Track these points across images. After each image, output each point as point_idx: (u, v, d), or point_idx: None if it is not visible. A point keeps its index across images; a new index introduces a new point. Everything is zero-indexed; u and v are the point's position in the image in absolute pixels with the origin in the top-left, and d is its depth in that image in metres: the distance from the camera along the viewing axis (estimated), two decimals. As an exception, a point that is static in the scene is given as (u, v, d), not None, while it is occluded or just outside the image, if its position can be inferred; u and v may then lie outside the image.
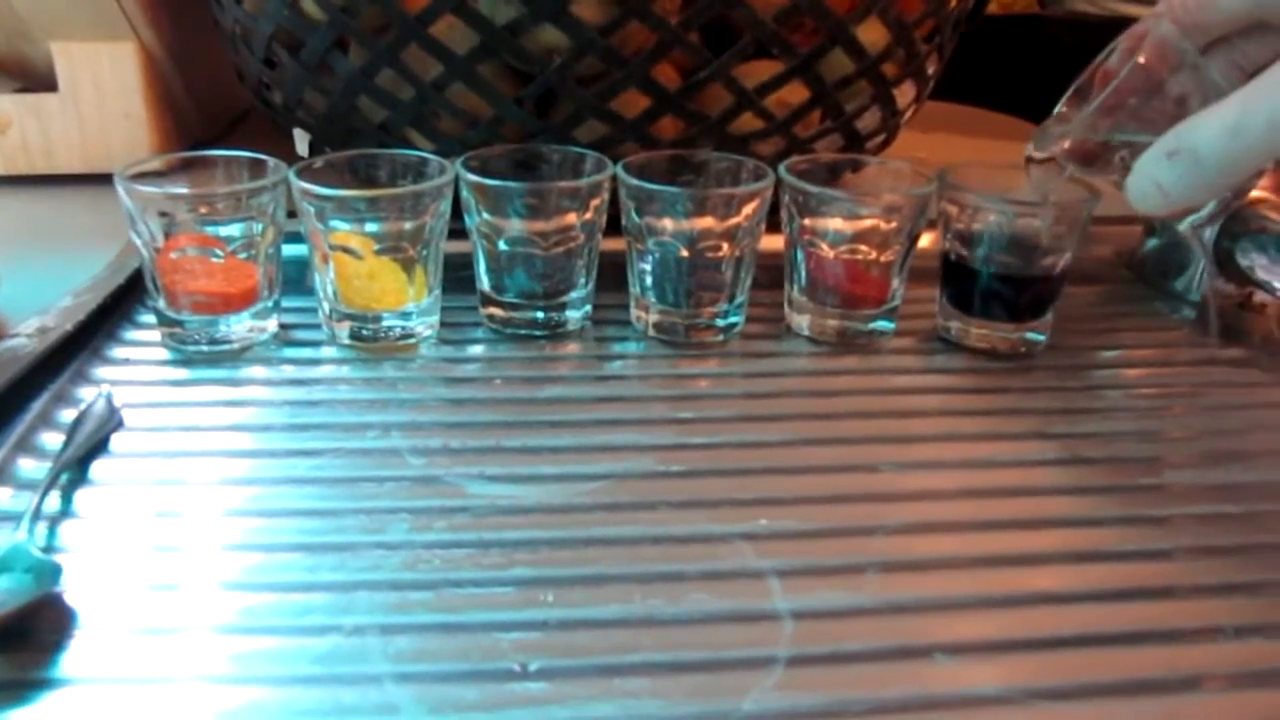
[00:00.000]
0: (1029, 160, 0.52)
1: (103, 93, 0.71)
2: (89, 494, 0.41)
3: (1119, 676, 0.33)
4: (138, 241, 0.50)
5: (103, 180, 0.50)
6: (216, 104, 0.82)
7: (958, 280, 0.54)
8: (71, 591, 0.35)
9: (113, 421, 0.45)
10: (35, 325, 0.50)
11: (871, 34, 0.59)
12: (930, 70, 0.66)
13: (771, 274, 0.57)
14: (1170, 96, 0.44)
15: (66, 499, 0.40)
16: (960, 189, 0.53)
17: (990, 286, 0.53)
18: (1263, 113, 0.37)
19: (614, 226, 0.54)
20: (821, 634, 0.35)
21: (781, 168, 0.53)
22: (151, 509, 0.40)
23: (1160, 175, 0.40)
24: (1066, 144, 0.47)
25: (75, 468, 0.42)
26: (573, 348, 0.54)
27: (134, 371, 0.50)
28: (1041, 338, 0.55)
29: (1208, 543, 0.40)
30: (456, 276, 0.55)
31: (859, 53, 0.59)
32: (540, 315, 0.54)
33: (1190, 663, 0.34)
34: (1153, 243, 0.65)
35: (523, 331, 0.54)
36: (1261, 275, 0.57)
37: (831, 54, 0.59)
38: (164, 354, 0.52)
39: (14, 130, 0.71)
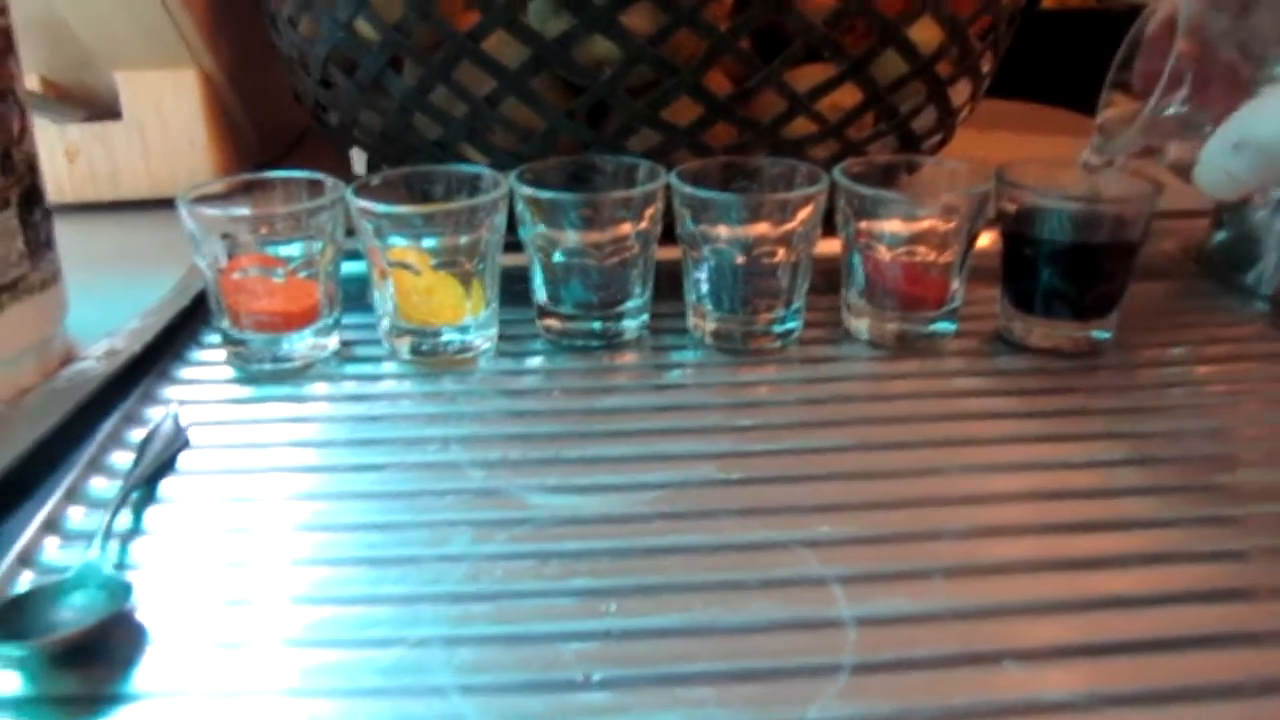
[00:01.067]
0: (1087, 166, 0.51)
1: (166, 120, 0.73)
2: (158, 512, 0.42)
3: (1192, 681, 0.32)
4: (201, 264, 0.51)
5: (167, 204, 0.51)
6: (276, 126, 0.83)
7: (1019, 279, 0.53)
8: (142, 608, 0.36)
9: (180, 440, 0.46)
10: (104, 348, 0.52)
11: (924, 33, 0.58)
12: (985, 68, 0.65)
13: (829, 278, 0.56)
14: (1219, 72, 0.43)
15: (137, 517, 0.41)
16: (1019, 186, 0.52)
17: (1052, 284, 0.52)
18: None
19: (669, 235, 0.54)
20: (887, 641, 0.34)
21: (836, 171, 0.53)
22: (218, 526, 0.41)
23: (1229, 164, 0.40)
24: (1128, 151, 0.47)
25: (144, 486, 0.43)
26: (630, 357, 0.54)
27: (200, 391, 0.51)
28: (1107, 335, 0.54)
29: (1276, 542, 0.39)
30: (514, 289, 0.56)
31: (911, 53, 0.59)
32: (597, 326, 0.54)
33: (1268, 666, 0.33)
34: (1221, 235, 0.63)
35: (580, 342, 0.55)
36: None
37: (884, 55, 0.58)
38: (229, 373, 0.53)
39: (81, 158, 0.73)
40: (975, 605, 0.36)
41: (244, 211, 0.52)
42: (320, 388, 0.51)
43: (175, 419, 0.47)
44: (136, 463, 0.44)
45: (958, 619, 0.35)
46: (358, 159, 0.70)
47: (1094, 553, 0.38)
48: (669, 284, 0.56)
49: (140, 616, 0.35)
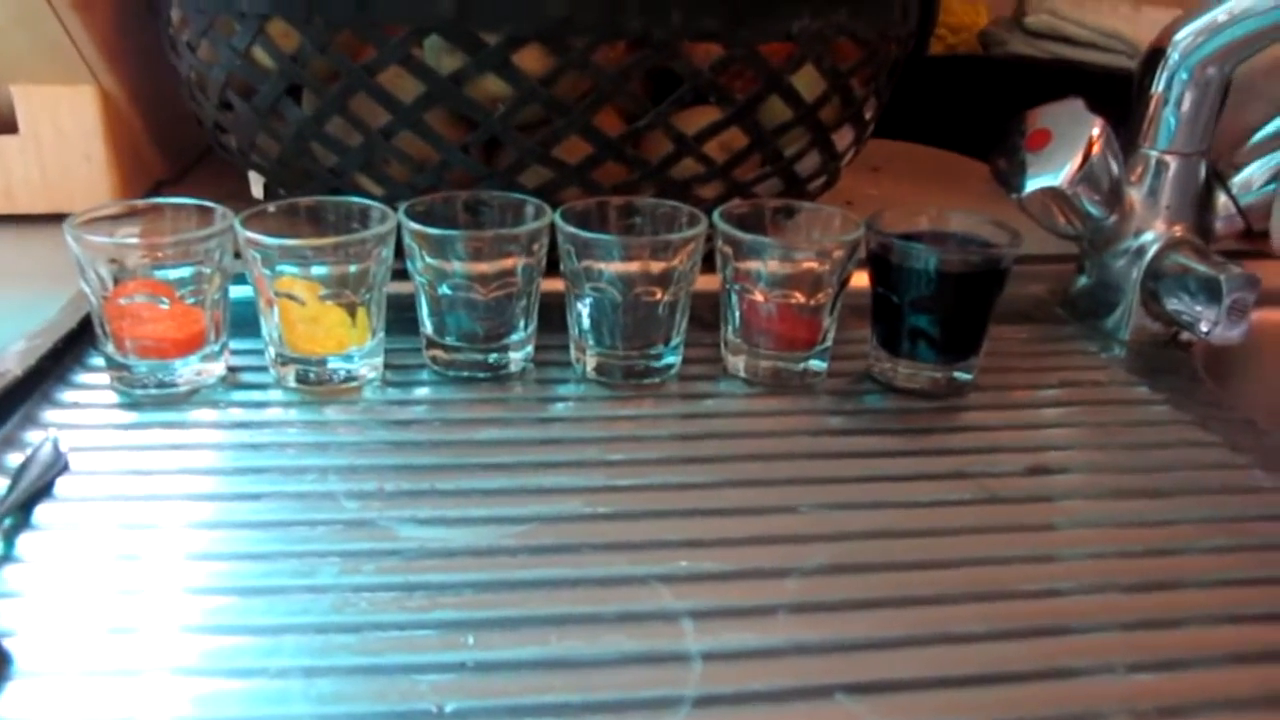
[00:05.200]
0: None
1: (63, 135, 0.72)
2: (32, 538, 0.42)
3: (1019, 714, 0.35)
4: (86, 289, 0.52)
5: (63, 220, 0.51)
6: (177, 144, 0.83)
7: (885, 321, 0.56)
8: (10, 635, 0.36)
9: (58, 465, 0.47)
10: (-14, 369, 0.52)
11: (807, 82, 0.61)
12: (868, 115, 0.68)
13: (714, 313, 0.58)
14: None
15: (9, 543, 0.42)
16: (885, 234, 0.54)
17: (915, 327, 0.55)
18: None
19: (557, 268, 0.55)
20: (728, 675, 0.36)
21: (715, 214, 0.55)
22: (92, 552, 0.41)
23: None
24: None
25: (18, 512, 0.43)
26: (514, 389, 0.56)
27: (83, 415, 0.51)
28: (969, 377, 0.57)
29: (1105, 580, 0.42)
30: (405, 317, 0.57)
31: (795, 100, 0.61)
32: (482, 357, 0.56)
33: (1078, 699, 0.36)
34: (1084, 281, 0.67)
35: (465, 373, 0.56)
36: (1185, 315, 0.60)
37: (768, 102, 0.61)
38: (113, 398, 0.53)
39: (-26, 172, 0.72)
40: (814, 641, 0.38)
41: (132, 238, 0.53)
42: (204, 414, 0.52)
43: (55, 443, 0.48)
44: (11, 488, 0.44)
45: (796, 654, 0.37)
46: (255, 182, 0.71)
47: (930, 589, 0.41)
48: (559, 317, 0.58)
49: (7, 643, 0.36)
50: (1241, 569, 0.43)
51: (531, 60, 0.57)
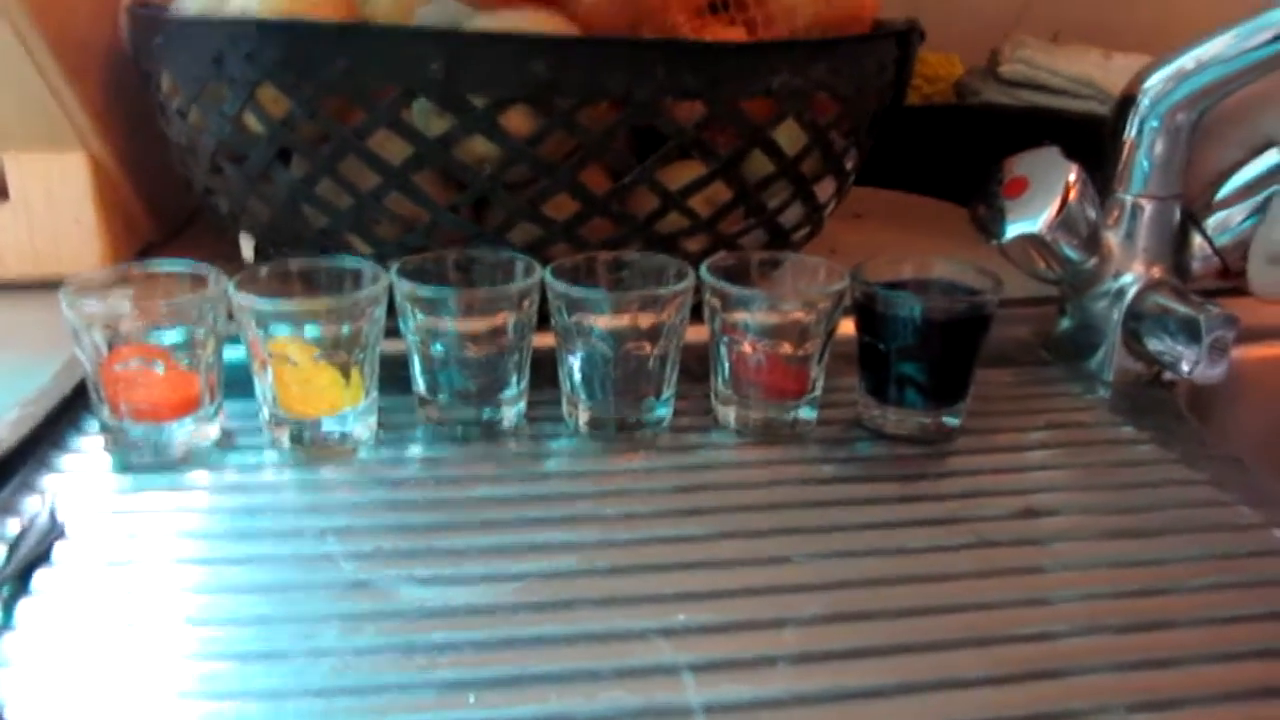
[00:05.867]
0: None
1: (53, 201, 0.73)
2: (29, 605, 0.42)
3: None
4: (81, 355, 0.52)
5: (55, 286, 0.52)
6: (168, 207, 0.84)
7: (873, 369, 0.57)
8: (9, 705, 0.36)
9: (55, 531, 0.47)
10: (-19, 438, 0.52)
11: (788, 136, 0.62)
12: (849, 165, 0.69)
13: (703, 365, 0.59)
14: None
15: (7, 612, 0.42)
16: (870, 283, 0.55)
17: (902, 374, 0.55)
18: None
19: (548, 322, 0.56)
20: (729, 727, 0.36)
21: (702, 268, 0.56)
22: (88, 620, 0.41)
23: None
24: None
25: (16, 580, 0.43)
26: (508, 446, 0.56)
27: (79, 481, 0.52)
28: (957, 421, 0.57)
29: (1097, 622, 0.42)
30: (399, 375, 0.57)
31: (777, 154, 0.62)
32: (475, 414, 0.56)
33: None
34: (1066, 324, 0.68)
35: (459, 431, 0.56)
36: (1166, 355, 0.60)
37: (751, 156, 0.62)
38: (109, 462, 0.53)
39: (-35, 239, 0.73)
40: (815, 690, 0.38)
41: (126, 303, 0.53)
42: (200, 478, 0.52)
43: (51, 510, 0.48)
44: (9, 556, 0.44)
45: (797, 704, 0.38)
46: (246, 245, 0.72)
47: (926, 636, 0.41)
48: (549, 372, 0.58)
49: (7, 714, 0.36)
50: (1232, 606, 0.44)
51: (518, 121, 0.58)
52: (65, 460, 0.53)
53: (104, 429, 0.54)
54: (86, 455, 0.54)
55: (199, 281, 0.55)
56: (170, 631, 0.41)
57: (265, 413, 0.55)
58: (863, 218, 0.89)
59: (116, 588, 0.43)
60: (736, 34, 0.67)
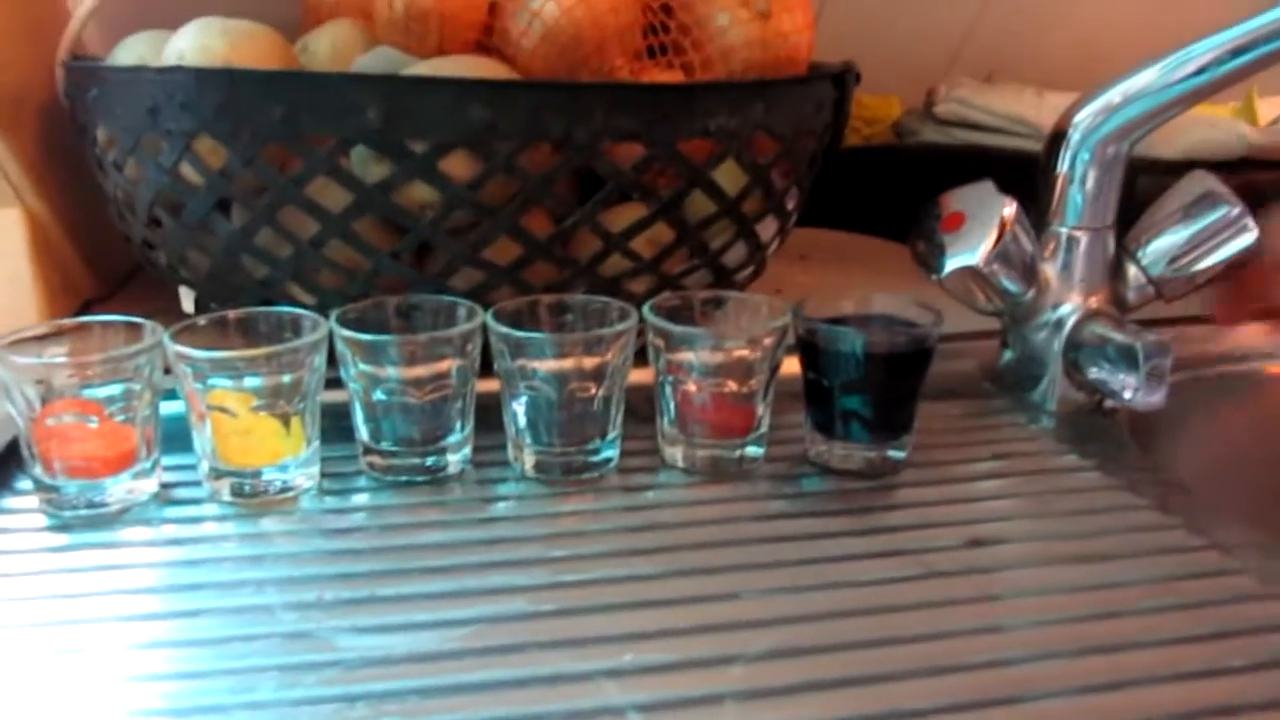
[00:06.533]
0: None
1: (-12, 258, 0.72)
2: (-44, 671, 0.41)
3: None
4: (13, 411, 0.51)
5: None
6: (107, 262, 0.83)
7: (817, 404, 0.57)
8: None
9: (-15, 594, 0.45)
10: (-92, 500, 0.51)
11: (729, 177, 0.63)
12: (790, 205, 0.70)
13: (649, 405, 0.59)
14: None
15: (-67, 678, 0.40)
16: (812, 320, 0.56)
17: (846, 409, 0.56)
18: None
19: (491, 367, 0.56)
20: (678, 767, 0.36)
21: (645, 308, 0.56)
22: (21, 682, 0.40)
23: None
24: None
25: (-57, 645, 0.42)
26: (453, 491, 0.55)
27: (11, 540, 0.50)
28: (903, 455, 0.57)
29: (1048, 648, 0.42)
30: (341, 425, 0.57)
31: (718, 195, 0.63)
32: (420, 461, 0.55)
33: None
34: (1009, 356, 0.68)
35: (404, 478, 0.56)
36: (1107, 383, 0.61)
37: (692, 196, 0.62)
38: (42, 520, 0.52)
39: (-103, 298, 0.71)
40: (763, 726, 0.38)
41: (59, 357, 0.53)
42: (137, 533, 0.51)
43: (-20, 572, 0.47)
44: (-65, 620, 0.43)
45: (746, 741, 0.37)
46: (186, 297, 0.71)
47: (877, 668, 0.41)
48: (494, 416, 0.58)
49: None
50: (1179, 628, 0.44)
51: (458, 166, 0.58)
52: (-3, 520, 0.52)
53: (37, 486, 0.52)
54: (19, 515, 0.52)
55: (135, 334, 0.54)
56: (106, 690, 0.40)
57: (204, 465, 0.54)
58: (808, 258, 0.90)
59: (50, 647, 0.42)
60: (674, 76, 0.67)
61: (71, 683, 0.40)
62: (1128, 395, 0.59)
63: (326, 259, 0.60)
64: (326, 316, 0.54)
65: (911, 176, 0.94)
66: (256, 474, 0.53)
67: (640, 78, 0.67)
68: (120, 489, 0.53)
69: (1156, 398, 0.59)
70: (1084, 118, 0.62)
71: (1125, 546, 0.50)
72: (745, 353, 0.55)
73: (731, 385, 0.55)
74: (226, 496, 0.53)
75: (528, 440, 0.56)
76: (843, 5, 0.93)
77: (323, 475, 0.56)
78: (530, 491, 0.55)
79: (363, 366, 0.54)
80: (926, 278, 0.63)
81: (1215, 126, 0.86)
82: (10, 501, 0.54)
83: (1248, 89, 0.99)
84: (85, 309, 0.78)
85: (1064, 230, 0.64)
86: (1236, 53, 0.56)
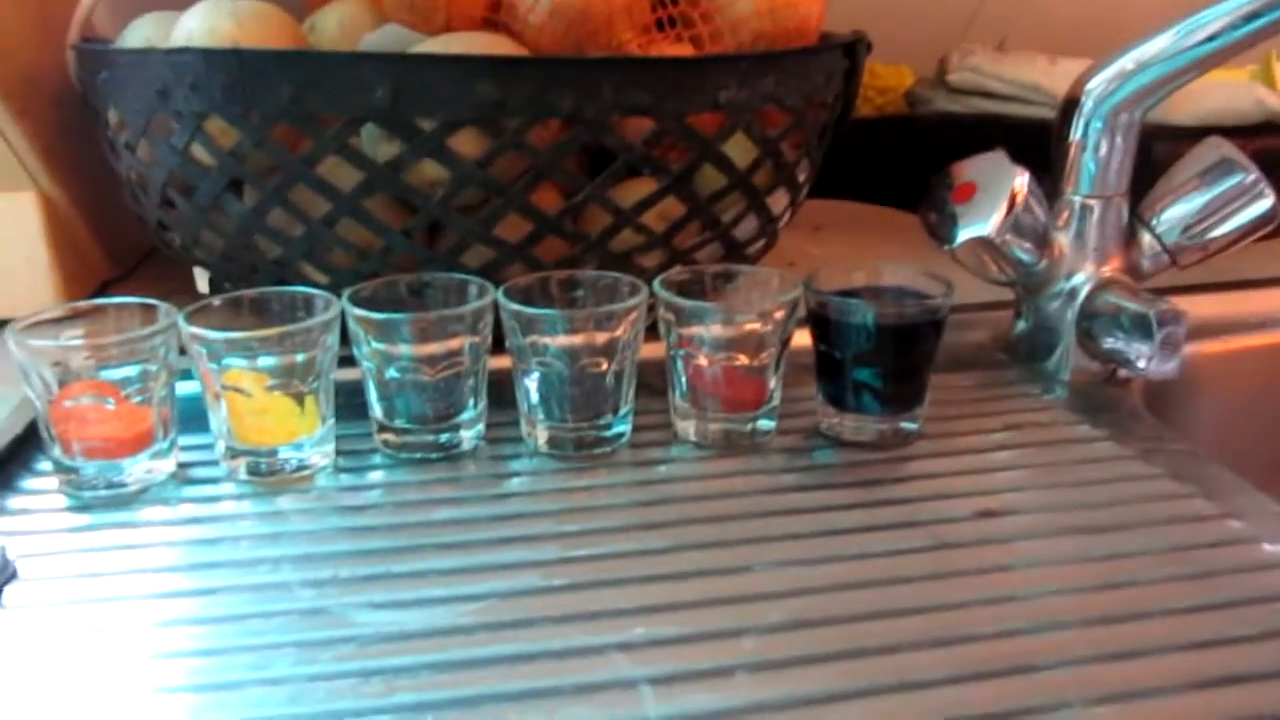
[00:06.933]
0: None
1: (4, 241, 0.72)
2: (-20, 649, 0.42)
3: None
4: (31, 394, 0.51)
5: (5, 326, 0.51)
6: (122, 244, 0.83)
7: (829, 377, 0.57)
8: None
9: (6, 574, 0.46)
10: (-69, 482, 0.51)
11: (739, 149, 0.62)
12: (801, 177, 0.69)
13: (661, 379, 0.59)
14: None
15: (-43, 656, 0.41)
16: (822, 292, 0.56)
17: (858, 381, 0.56)
18: None
19: (504, 344, 0.56)
20: (689, 738, 0.36)
21: (656, 282, 0.56)
22: (42, 660, 0.41)
23: None
24: None
25: (-34, 624, 0.43)
26: (467, 468, 0.56)
27: (31, 521, 0.51)
28: (915, 426, 0.57)
29: (1059, 618, 0.42)
30: (355, 403, 0.57)
31: (728, 168, 0.63)
32: (433, 438, 0.56)
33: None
34: (1022, 326, 0.68)
35: (418, 455, 0.56)
36: (1120, 353, 0.61)
37: (702, 170, 0.62)
38: (62, 501, 0.53)
39: (-85, 281, 0.72)
40: (773, 699, 0.38)
41: (75, 340, 0.53)
42: (155, 513, 0.52)
43: (2, 552, 0.47)
44: (-42, 600, 0.44)
45: (756, 712, 0.37)
46: (200, 277, 0.71)
47: (888, 639, 0.41)
48: (506, 393, 0.58)
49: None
50: (1193, 597, 0.44)
51: (467, 144, 0.58)
52: (16, 501, 0.53)
53: (56, 467, 0.53)
54: (39, 496, 0.53)
55: (149, 315, 0.54)
56: (125, 668, 0.40)
57: (221, 445, 0.54)
58: (822, 230, 0.89)
59: (70, 627, 0.43)
60: (683, 50, 0.67)
61: (94, 661, 0.41)
62: (1142, 364, 0.59)
63: (339, 238, 0.60)
64: (340, 296, 0.54)
65: (925, 146, 0.93)
66: (272, 453, 0.54)
67: (649, 51, 0.66)
68: (138, 469, 0.53)
69: (1170, 366, 0.58)
70: (1097, 85, 0.61)
71: (1138, 516, 0.50)
72: (756, 326, 0.55)
73: (743, 359, 0.55)
74: (243, 475, 0.54)
75: (540, 416, 0.56)
76: (854, -26, 0.92)
77: (337, 453, 0.56)
78: (543, 467, 0.56)
79: (375, 345, 0.54)
80: (938, 248, 0.63)
81: (1232, 91, 0.85)
82: (30, 483, 0.54)
83: (1266, 53, 0.98)
84: (101, 290, 0.79)
85: (1077, 198, 0.63)
86: (1250, 18, 0.55)
